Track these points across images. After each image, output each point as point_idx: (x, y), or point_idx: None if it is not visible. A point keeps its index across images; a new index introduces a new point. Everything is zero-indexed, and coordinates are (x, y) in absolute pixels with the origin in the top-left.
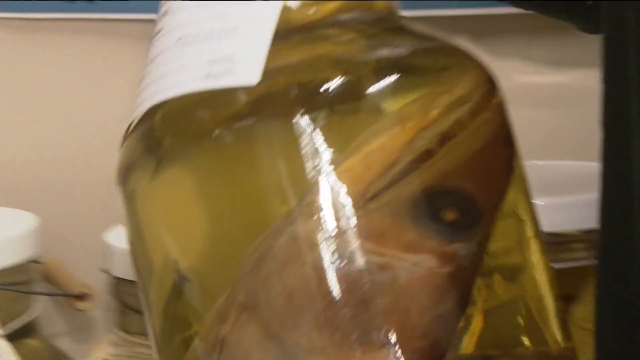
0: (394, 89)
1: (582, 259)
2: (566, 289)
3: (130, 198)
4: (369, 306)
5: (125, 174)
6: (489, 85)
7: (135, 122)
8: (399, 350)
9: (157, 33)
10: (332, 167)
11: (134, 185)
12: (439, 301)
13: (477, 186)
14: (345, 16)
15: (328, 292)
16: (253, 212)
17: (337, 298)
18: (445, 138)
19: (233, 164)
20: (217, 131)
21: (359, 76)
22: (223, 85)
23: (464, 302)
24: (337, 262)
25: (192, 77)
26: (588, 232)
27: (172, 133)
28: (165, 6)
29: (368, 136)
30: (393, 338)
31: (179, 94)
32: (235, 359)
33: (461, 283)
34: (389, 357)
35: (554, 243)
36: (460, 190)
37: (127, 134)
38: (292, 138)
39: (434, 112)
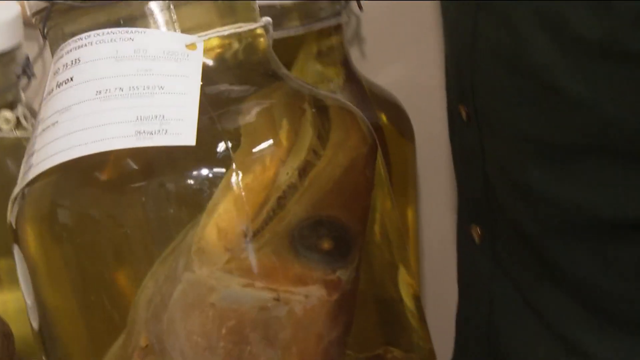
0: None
1: (295, 27)
2: (285, 57)
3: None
4: (271, 341)
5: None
6: (331, 110)
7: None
8: None
9: (68, 81)
10: (207, 212)
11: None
12: (332, 328)
13: (345, 211)
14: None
15: (230, 333)
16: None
17: (240, 337)
18: (304, 170)
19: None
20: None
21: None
22: (159, 143)
23: (349, 326)
24: (235, 302)
25: (121, 133)
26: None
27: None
28: (73, 54)
29: (229, 180)
30: None
31: (110, 149)
32: None
33: (347, 308)
34: None
35: (271, 15)
36: (332, 219)
37: (34, 181)
38: (179, 192)
39: (286, 142)
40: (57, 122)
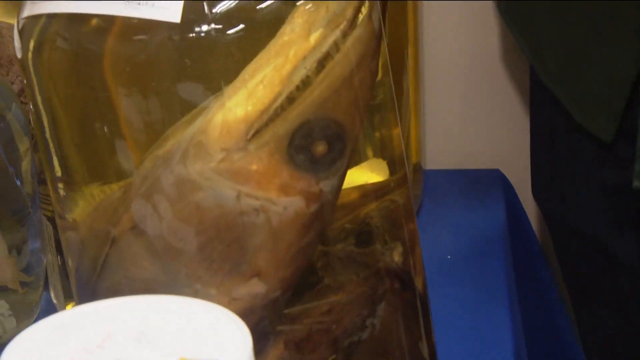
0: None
1: None
2: None
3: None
4: (242, 244)
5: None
6: None
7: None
8: (265, 280)
9: None
10: (220, 103)
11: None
12: (303, 236)
13: (345, 114)
14: None
15: (207, 229)
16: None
17: (215, 235)
18: (322, 64)
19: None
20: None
21: None
22: (143, 15)
23: (322, 230)
24: (217, 204)
25: None
26: None
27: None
28: None
29: (254, 68)
30: (260, 271)
31: (97, 12)
32: (124, 258)
33: (323, 216)
34: (257, 286)
35: None
36: (332, 121)
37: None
38: (187, 62)
39: (315, 36)
40: None
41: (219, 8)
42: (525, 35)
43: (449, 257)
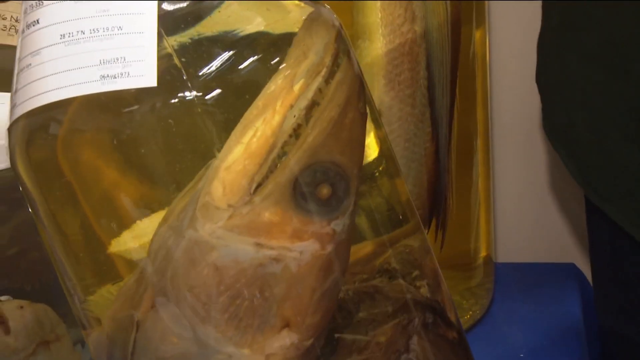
0: (258, 69)
1: None
2: None
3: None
4: (266, 296)
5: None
6: (337, 42)
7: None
8: (296, 330)
9: (35, 23)
10: (218, 163)
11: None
12: (325, 279)
13: (343, 155)
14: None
15: (229, 289)
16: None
17: (237, 292)
18: (309, 110)
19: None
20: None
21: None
22: (122, 87)
23: (343, 271)
24: (234, 261)
25: (87, 79)
26: None
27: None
28: None
29: (245, 124)
30: (289, 321)
31: (77, 95)
32: (152, 339)
33: (341, 256)
34: (289, 337)
35: None
36: (331, 163)
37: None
38: (182, 124)
39: (298, 85)
40: (30, 64)
41: (201, 72)
42: (571, 156)
43: (521, 355)
